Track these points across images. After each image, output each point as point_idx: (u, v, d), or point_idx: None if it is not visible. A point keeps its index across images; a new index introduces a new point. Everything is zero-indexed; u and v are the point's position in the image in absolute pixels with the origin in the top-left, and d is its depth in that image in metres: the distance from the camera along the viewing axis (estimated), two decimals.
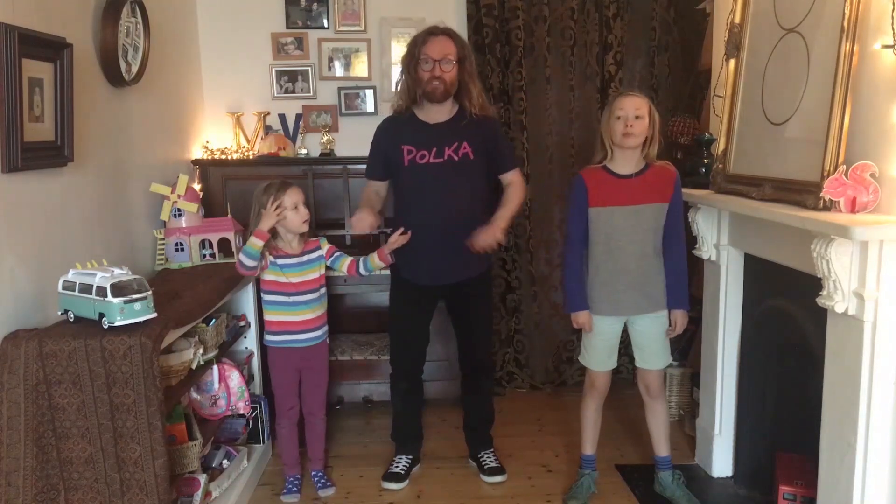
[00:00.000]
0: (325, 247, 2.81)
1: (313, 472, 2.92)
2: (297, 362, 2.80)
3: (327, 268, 2.83)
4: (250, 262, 2.61)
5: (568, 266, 2.64)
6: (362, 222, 2.65)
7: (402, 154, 2.71)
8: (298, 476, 2.90)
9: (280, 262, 2.70)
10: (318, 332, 2.81)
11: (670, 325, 2.62)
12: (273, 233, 2.67)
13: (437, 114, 2.72)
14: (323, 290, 2.81)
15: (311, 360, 2.82)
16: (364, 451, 3.24)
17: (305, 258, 2.75)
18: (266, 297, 2.77)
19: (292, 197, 2.64)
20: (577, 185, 2.58)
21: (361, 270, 2.78)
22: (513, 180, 2.80)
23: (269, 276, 2.73)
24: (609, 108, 2.54)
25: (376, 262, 2.74)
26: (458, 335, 3.01)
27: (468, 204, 2.72)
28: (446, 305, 2.95)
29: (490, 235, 2.61)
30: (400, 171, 2.74)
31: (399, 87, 2.77)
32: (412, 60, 2.66)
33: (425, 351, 2.97)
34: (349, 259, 2.80)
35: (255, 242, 2.58)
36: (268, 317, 2.78)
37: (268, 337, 2.80)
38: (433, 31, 2.67)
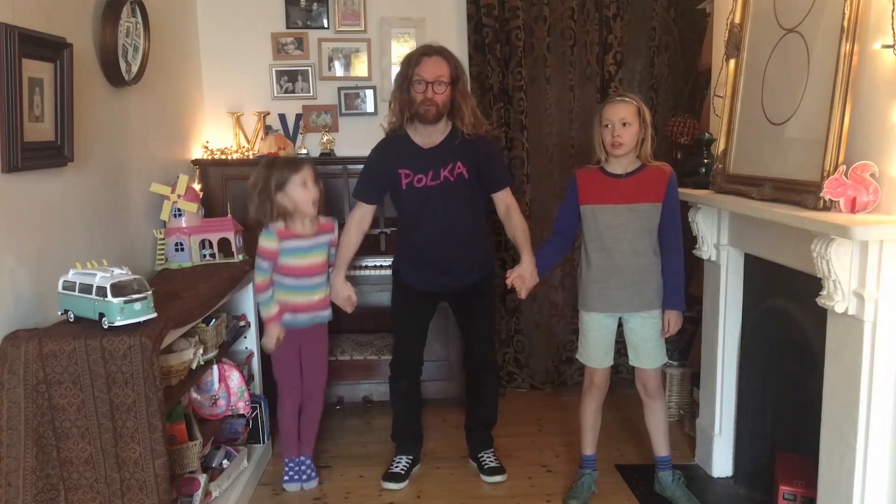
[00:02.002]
0: (336, 233, 2.85)
1: (303, 457, 2.93)
2: (298, 342, 2.84)
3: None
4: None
5: (541, 245, 2.77)
6: (343, 306, 2.79)
7: (399, 178, 2.72)
8: (296, 459, 2.92)
9: (289, 245, 2.72)
10: (323, 314, 2.86)
11: (664, 325, 2.62)
12: (286, 213, 2.70)
13: (431, 136, 2.71)
14: (322, 275, 2.83)
15: (312, 342, 2.87)
16: (364, 451, 3.24)
17: (316, 241, 2.77)
18: (273, 278, 2.79)
19: (302, 175, 2.67)
20: (570, 183, 2.67)
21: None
22: (508, 204, 2.79)
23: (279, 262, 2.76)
24: (598, 114, 2.56)
25: None
26: (462, 336, 3.03)
27: (465, 220, 2.76)
28: (450, 306, 2.97)
29: (531, 283, 2.66)
30: (398, 194, 2.77)
31: (392, 106, 2.76)
32: (405, 80, 2.65)
33: (423, 350, 2.98)
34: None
35: (266, 315, 2.77)
36: (273, 298, 2.80)
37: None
38: (426, 52, 2.65)
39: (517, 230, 2.75)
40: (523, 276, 2.65)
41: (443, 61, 2.63)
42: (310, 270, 2.77)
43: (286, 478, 2.89)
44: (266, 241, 2.72)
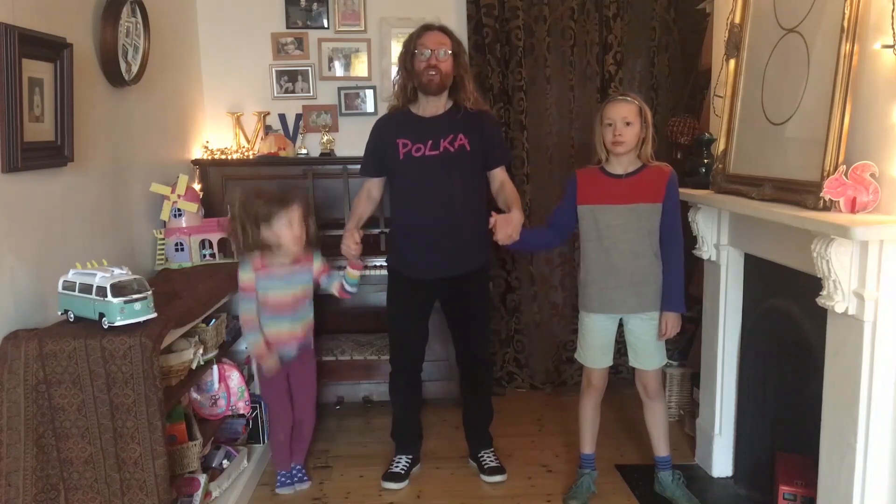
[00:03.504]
0: (318, 264, 2.79)
1: (293, 465, 2.93)
2: (286, 369, 2.83)
3: (319, 286, 2.82)
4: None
5: (535, 227, 2.75)
6: (349, 249, 2.66)
7: (397, 148, 2.71)
8: (287, 473, 2.93)
9: (265, 279, 2.70)
10: (297, 345, 2.81)
11: (661, 327, 2.61)
12: (266, 247, 2.66)
13: (433, 108, 2.74)
14: (303, 306, 2.80)
15: (299, 369, 2.86)
16: (364, 451, 3.24)
17: (293, 274, 2.73)
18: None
19: (289, 214, 2.63)
20: (569, 182, 2.67)
21: (348, 288, 2.78)
22: (503, 180, 2.80)
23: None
24: (599, 113, 2.56)
25: (353, 274, 2.74)
26: (453, 333, 2.99)
27: (465, 195, 2.73)
28: (441, 303, 2.93)
29: (513, 232, 2.53)
30: (395, 166, 2.74)
31: (395, 88, 2.80)
32: (408, 54, 2.70)
33: (424, 349, 2.97)
34: (336, 281, 2.79)
35: (256, 351, 2.74)
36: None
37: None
38: (428, 27, 2.72)
39: (510, 196, 2.74)
40: (507, 220, 2.53)
41: (444, 35, 2.69)
42: (291, 304, 2.74)
43: (278, 483, 2.89)
44: (243, 274, 2.69)
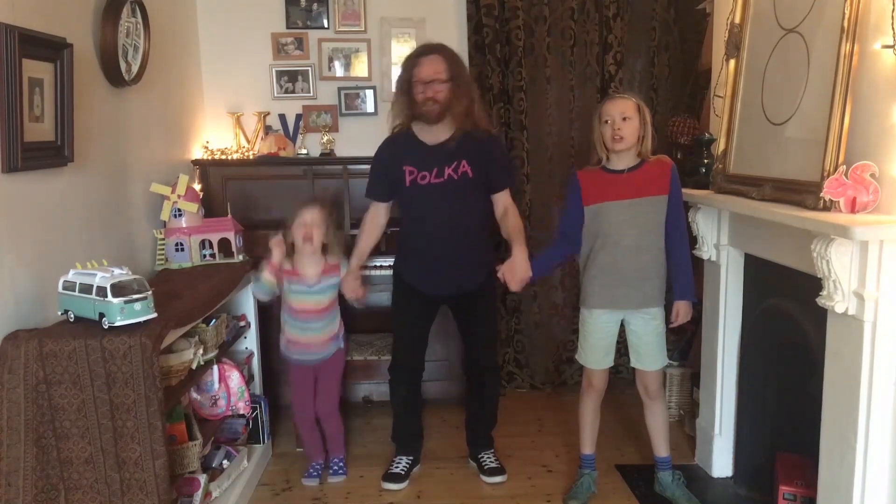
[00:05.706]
0: (343, 274, 2.84)
1: (332, 459, 3.02)
2: (312, 371, 2.91)
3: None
4: (261, 296, 2.86)
5: (547, 247, 2.77)
6: (352, 292, 2.76)
7: (403, 175, 2.72)
8: (321, 462, 3.01)
9: (293, 285, 2.80)
10: (326, 350, 2.90)
11: (670, 317, 2.61)
12: (293, 248, 2.78)
13: (436, 133, 2.71)
14: (328, 316, 2.87)
15: (324, 369, 2.92)
16: (364, 451, 3.24)
17: (318, 286, 2.81)
18: (282, 314, 2.89)
19: (304, 216, 2.74)
20: (571, 184, 2.65)
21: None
22: (506, 205, 2.79)
23: (285, 296, 2.83)
24: (597, 113, 2.56)
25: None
26: (462, 339, 3.02)
27: (468, 220, 2.75)
28: (451, 310, 2.96)
29: (522, 274, 2.60)
30: (402, 191, 2.77)
31: (395, 105, 2.76)
32: (405, 82, 2.67)
33: (425, 350, 2.98)
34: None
35: (265, 277, 2.76)
36: (283, 330, 2.90)
37: (284, 347, 2.92)
38: (423, 52, 2.67)
39: (512, 228, 2.75)
40: (513, 268, 2.59)
41: (439, 59, 2.64)
42: (308, 313, 2.82)
43: (305, 474, 2.98)
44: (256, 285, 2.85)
